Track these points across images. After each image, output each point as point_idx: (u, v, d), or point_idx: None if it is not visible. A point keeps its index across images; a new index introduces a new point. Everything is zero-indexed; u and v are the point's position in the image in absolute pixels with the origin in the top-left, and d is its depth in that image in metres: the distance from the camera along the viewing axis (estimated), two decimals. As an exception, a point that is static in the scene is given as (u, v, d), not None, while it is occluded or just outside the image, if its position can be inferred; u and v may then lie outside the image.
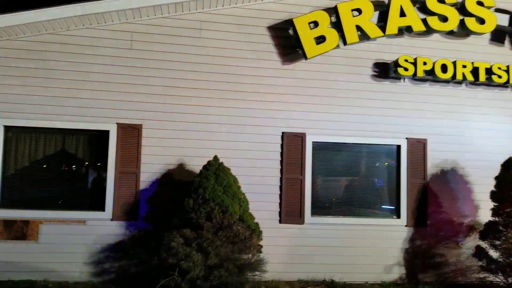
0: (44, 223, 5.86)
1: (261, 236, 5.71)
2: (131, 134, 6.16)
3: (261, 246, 5.65)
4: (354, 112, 6.69)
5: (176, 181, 6.14)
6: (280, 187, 6.38)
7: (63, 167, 6.29)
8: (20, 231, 5.82)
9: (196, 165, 6.03)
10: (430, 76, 6.72)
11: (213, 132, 6.33)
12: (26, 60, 6.04)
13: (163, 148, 6.20)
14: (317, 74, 6.65)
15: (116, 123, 6.14)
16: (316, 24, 6.41)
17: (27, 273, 5.70)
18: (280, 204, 6.35)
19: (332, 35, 6.44)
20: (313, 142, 6.52)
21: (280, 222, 6.32)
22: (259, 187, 6.28)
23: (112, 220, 5.99)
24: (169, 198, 5.98)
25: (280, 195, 6.36)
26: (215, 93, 6.39)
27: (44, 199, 6.08)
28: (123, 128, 6.15)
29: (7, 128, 6.03)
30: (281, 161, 6.41)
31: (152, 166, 6.15)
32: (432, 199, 6.74)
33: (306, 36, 6.35)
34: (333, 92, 6.68)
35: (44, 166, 6.21)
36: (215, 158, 5.75)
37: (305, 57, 6.40)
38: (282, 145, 6.43)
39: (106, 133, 6.15)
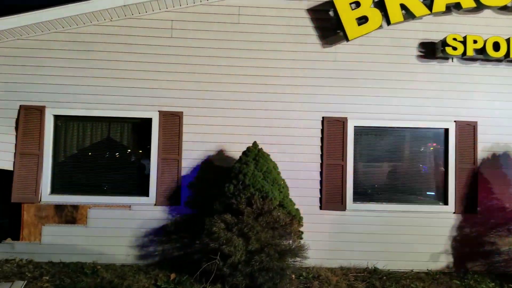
0: (92, 207, 6.13)
1: (302, 222, 5.68)
2: (172, 121, 6.26)
3: (302, 232, 5.62)
4: (398, 95, 6.43)
5: (216, 167, 6.20)
6: (321, 173, 6.27)
7: (109, 154, 6.51)
8: (70, 216, 6.12)
9: (235, 151, 6.06)
10: (481, 55, 6.31)
11: (252, 118, 6.31)
12: (72, 51, 6.26)
13: (203, 134, 6.27)
14: (359, 56, 6.43)
15: (158, 111, 6.26)
16: (357, 4, 6.17)
17: (77, 255, 5.99)
18: (321, 190, 6.25)
19: (374, 15, 6.18)
20: (355, 126, 6.34)
21: (321, 208, 6.24)
22: (299, 173, 6.22)
23: (155, 205, 6.16)
24: (210, 183, 6.06)
25: (321, 181, 6.26)
26: (254, 79, 6.35)
27: (92, 185, 6.33)
28: (164, 116, 6.27)
29: (56, 118, 6.31)
30: (322, 147, 6.29)
31: (192, 152, 6.24)
32: (483, 185, 6.38)
33: (347, 17, 6.13)
34: (376, 75, 6.44)
35: (91, 153, 6.45)
36: (255, 144, 5.74)
37: (347, 39, 6.19)
38: (322, 130, 6.30)
39: (149, 121, 6.29)
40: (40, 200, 6.09)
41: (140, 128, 6.42)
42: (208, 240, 5.16)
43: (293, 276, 5.51)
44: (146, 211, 6.14)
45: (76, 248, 6.00)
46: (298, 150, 6.28)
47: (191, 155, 6.25)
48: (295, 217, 5.52)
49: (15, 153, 6.10)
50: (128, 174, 6.47)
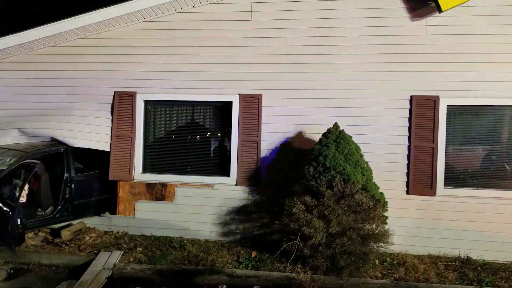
0: (179, 186, 6.49)
1: (386, 206, 5.41)
2: (252, 104, 6.33)
3: (386, 217, 5.37)
4: (499, 70, 5.75)
5: (295, 149, 6.15)
6: (408, 155, 5.90)
7: (193, 136, 6.81)
8: (159, 193, 6.55)
9: (315, 133, 5.95)
10: None
11: (333, 98, 6.12)
12: (158, 39, 6.60)
13: (282, 116, 6.24)
14: (453, 29, 5.86)
15: (238, 94, 6.37)
16: (452, -30, 5.60)
17: (166, 230, 6.42)
18: (408, 174, 5.89)
19: (472, -19, 5.56)
20: (447, 105, 5.83)
21: (407, 193, 5.89)
22: (384, 155, 5.92)
23: (236, 185, 6.32)
24: (289, 165, 6.05)
25: (408, 165, 5.90)
26: (335, 58, 6.13)
27: (178, 164, 6.71)
28: (244, 99, 6.36)
29: (146, 102, 6.74)
30: (410, 128, 5.90)
31: (271, 134, 6.27)
32: None
33: (440, -14, 5.60)
34: (472, 48, 5.83)
35: (177, 135, 6.81)
36: (335, 125, 5.56)
37: (439, 10, 5.65)
38: (410, 110, 5.89)
39: (229, 104, 6.43)
40: (133, 179, 6.61)
41: (221, 111, 6.61)
42: (288, 221, 5.19)
43: (377, 261, 5.32)
44: (228, 190, 6.34)
45: (164, 223, 6.43)
46: (383, 132, 5.96)
47: (270, 137, 6.27)
48: (379, 201, 5.27)
49: (111, 136, 6.68)
50: (211, 155, 6.73)
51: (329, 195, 5.04)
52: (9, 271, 5.20)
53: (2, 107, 6.96)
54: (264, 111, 6.29)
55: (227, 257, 5.46)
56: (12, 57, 6.92)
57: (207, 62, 6.46)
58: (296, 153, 6.09)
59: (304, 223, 4.99)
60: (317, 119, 6.08)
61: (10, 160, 5.86)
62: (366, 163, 5.46)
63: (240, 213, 6.28)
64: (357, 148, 5.48)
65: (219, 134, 6.71)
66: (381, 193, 5.43)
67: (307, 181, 5.33)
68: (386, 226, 5.18)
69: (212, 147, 6.77)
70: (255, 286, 4.76)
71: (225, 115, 6.54)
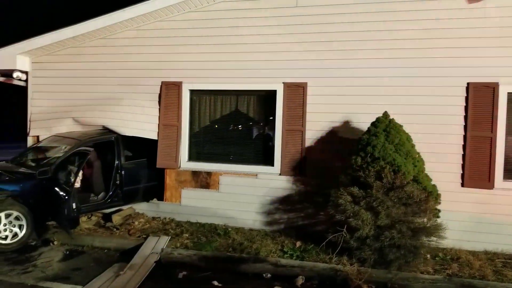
0: (224, 175, 6.55)
1: (439, 199, 5.17)
2: (296, 92, 6.23)
3: (439, 211, 5.12)
4: None
5: (341, 138, 6.00)
6: (464, 146, 5.58)
7: (237, 125, 6.83)
8: (204, 181, 6.65)
9: (363, 122, 5.76)
10: None
11: (382, 86, 5.89)
12: (203, 29, 6.64)
13: (328, 105, 6.10)
14: (515, 10, 5.42)
15: (282, 83, 6.29)
16: None
17: (210, 217, 6.52)
18: (463, 165, 5.58)
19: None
20: (508, 93, 5.43)
21: (462, 185, 5.58)
22: (438, 146, 5.62)
23: (280, 174, 6.28)
24: (334, 155, 5.92)
25: (464, 155, 5.57)
26: (384, 44, 5.88)
27: (223, 153, 6.77)
28: (288, 87, 6.27)
29: (192, 92, 6.84)
30: (465, 117, 5.56)
31: (316, 123, 6.14)
32: None
33: (502, -37, 5.18)
34: (539, 30, 5.36)
35: (222, 124, 6.86)
36: (385, 114, 5.35)
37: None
38: (467, 98, 5.55)
39: (273, 93, 6.37)
40: (180, 167, 6.76)
41: (265, 100, 6.56)
42: (334, 212, 5.08)
43: (428, 256, 5.10)
44: (271, 180, 6.31)
45: (209, 211, 6.53)
46: (437, 121, 5.66)
47: (315, 126, 6.15)
48: (431, 194, 5.03)
49: (158, 125, 6.85)
50: (255, 145, 6.73)
51: (377, 187, 4.87)
52: (65, 252, 5.51)
53: (58, 97, 7.33)
54: (309, 99, 6.17)
55: (271, 246, 5.45)
56: (66, 49, 7.26)
57: (252, 50, 6.42)
58: (342, 142, 5.95)
59: (351, 214, 4.87)
60: (365, 107, 5.88)
61: (65, 147, 6.18)
62: (418, 153, 5.23)
63: (284, 202, 6.24)
64: (408, 138, 5.25)
65: (263, 123, 6.68)
66: (434, 185, 5.18)
67: (354, 171, 5.18)
68: (439, 220, 4.95)
69: (256, 136, 6.76)
70: (300, 276, 4.72)
71: (269, 104, 6.49)
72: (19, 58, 7.29)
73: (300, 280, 4.67)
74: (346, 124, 6.02)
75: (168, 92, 6.81)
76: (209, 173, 6.64)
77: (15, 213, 5.43)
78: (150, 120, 6.86)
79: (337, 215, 5.03)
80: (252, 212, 6.36)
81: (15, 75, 7.48)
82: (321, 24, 6.12)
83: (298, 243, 5.54)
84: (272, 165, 6.35)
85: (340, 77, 6.05)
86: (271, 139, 6.45)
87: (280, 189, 6.27)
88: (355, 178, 5.17)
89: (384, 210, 4.77)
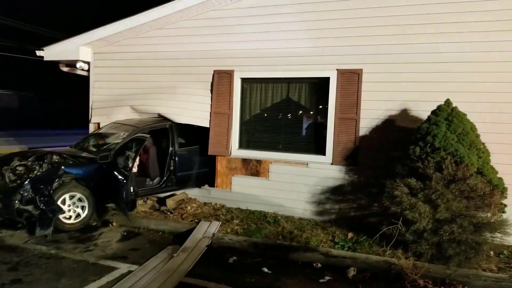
0: (273, 163, 6.54)
1: (505, 193, 4.80)
2: (350, 79, 6.04)
3: (505, 205, 4.76)
4: None
5: (398, 127, 5.74)
6: (536, 136, 5.13)
7: (288, 113, 6.76)
8: (254, 169, 6.68)
9: (422, 110, 5.48)
10: None
11: (444, 72, 5.54)
12: (255, 16, 6.58)
13: (385, 92, 5.85)
14: None
15: (336, 70, 6.12)
16: None
17: (260, 204, 6.55)
18: (535, 157, 5.13)
19: None
20: None
21: (533, 179, 5.14)
22: (506, 136, 5.22)
23: (332, 164, 6.15)
24: (390, 145, 5.69)
25: (535, 147, 5.13)
26: (447, 27, 5.51)
27: (273, 142, 6.75)
28: (342, 74, 6.09)
29: (243, 80, 6.86)
30: (538, 105, 5.10)
31: (372, 112, 5.92)
32: None
33: None
34: None
35: (272, 112, 6.83)
36: (447, 102, 5.04)
37: None
38: (542, 84, 5.08)
39: (326, 80, 6.22)
40: (230, 154, 6.83)
41: (317, 87, 6.43)
42: (389, 203, 4.90)
43: (491, 253, 4.76)
44: (323, 169, 6.20)
45: (259, 198, 6.56)
46: (506, 109, 5.24)
47: (370, 114, 5.93)
48: (496, 187, 4.69)
49: (210, 112, 6.95)
50: (306, 133, 6.63)
51: (437, 178, 4.62)
52: (123, 233, 5.79)
53: (117, 86, 7.67)
54: (364, 86, 5.95)
55: (322, 236, 5.37)
56: (125, 40, 7.55)
57: (304, 37, 6.30)
58: (399, 132, 5.69)
59: (408, 207, 4.67)
60: (424, 95, 5.58)
61: (124, 134, 6.46)
62: (483, 144, 4.88)
63: (335, 192, 6.11)
64: (473, 127, 4.91)
65: (314, 111, 6.56)
66: (500, 178, 4.83)
67: (412, 162, 4.95)
68: (504, 215, 4.60)
69: (307, 125, 6.65)
70: (351, 268, 4.61)
71: (321, 92, 6.35)
72: (82, 49, 7.70)
73: (351, 272, 4.56)
74: (404, 112, 5.74)
75: (220, 80, 6.88)
76: (259, 161, 6.65)
77: (78, 195, 5.78)
78: (203, 108, 6.98)
79: (392, 207, 4.84)
80: (302, 201, 6.30)
81: (78, 65, 7.93)
82: (378, 8, 5.85)
83: (350, 234, 5.41)
84: (324, 154, 6.23)
85: (398, 62, 5.77)
86: (323, 127, 6.32)
87: (332, 178, 6.14)
88: (412, 169, 4.94)
89: (443, 203, 4.52)
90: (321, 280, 4.42)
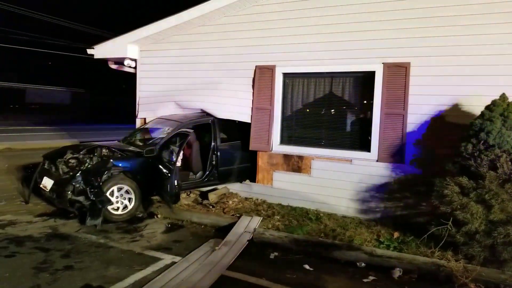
0: (316, 159, 6.45)
1: None
2: (397, 73, 5.81)
3: None
4: None
5: (448, 123, 5.47)
6: None
7: (331, 108, 6.63)
8: (296, 165, 6.62)
9: (474, 105, 5.18)
10: None
11: (499, 65, 5.19)
12: (297, 11, 6.51)
13: (434, 87, 5.58)
14: None
15: (382, 63, 5.92)
16: None
17: (302, 201, 6.48)
18: None
19: None
20: None
21: None
22: None
23: (377, 161, 5.97)
24: (440, 142, 5.44)
25: None
26: (501, 17, 5.15)
27: (315, 137, 6.65)
28: (389, 68, 5.88)
29: (284, 75, 6.81)
30: None
31: (420, 107, 5.67)
32: None
33: None
34: None
35: (314, 108, 6.72)
36: (503, 96, 4.73)
37: None
38: None
39: (371, 74, 6.04)
40: (271, 149, 6.82)
41: (362, 82, 6.26)
42: (438, 203, 4.69)
43: (553, 259, 4.42)
44: (367, 166, 6.03)
45: (300, 195, 6.50)
46: None
47: (418, 110, 5.68)
48: (559, 188, 4.33)
49: (251, 108, 6.97)
50: (349, 129, 6.48)
51: (491, 177, 4.36)
52: (167, 225, 5.95)
53: (162, 83, 7.88)
54: (412, 80, 5.71)
55: (366, 235, 5.22)
56: (169, 37, 7.74)
57: (348, 30, 6.14)
58: (449, 128, 5.42)
59: (458, 206, 4.44)
60: (477, 89, 5.27)
61: (168, 129, 6.64)
62: (543, 141, 4.52)
63: (380, 190, 5.93)
64: (532, 124, 4.57)
65: (359, 107, 6.38)
66: None
67: (464, 160, 4.69)
68: None
69: (351, 121, 6.49)
70: (397, 269, 4.45)
71: (366, 86, 6.17)
72: (129, 46, 7.98)
73: (397, 272, 4.40)
74: (455, 107, 5.45)
75: (262, 75, 6.87)
76: (300, 157, 6.58)
77: (126, 187, 6.00)
78: (244, 103, 7.01)
79: (441, 206, 4.62)
80: (345, 199, 6.17)
81: (126, 62, 8.24)
82: (428, -2, 5.58)
83: (396, 234, 5.23)
84: (369, 150, 6.05)
85: (448, 55, 5.48)
86: (368, 123, 6.13)
87: (377, 176, 5.95)
88: (464, 167, 4.69)
89: (498, 204, 4.26)
90: (365, 280, 4.30)
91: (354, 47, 6.11)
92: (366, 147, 6.09)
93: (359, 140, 6.26)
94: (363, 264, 4.66)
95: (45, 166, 6.35)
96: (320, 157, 6.42)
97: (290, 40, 6.60)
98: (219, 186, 7.00)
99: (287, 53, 6.65)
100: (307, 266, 4.57)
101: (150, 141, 6.69)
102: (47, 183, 6.01)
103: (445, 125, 5.48)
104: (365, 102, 6.24)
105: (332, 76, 6.48)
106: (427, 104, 5.61)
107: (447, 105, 5.49)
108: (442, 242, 4.58)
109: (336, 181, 6.23)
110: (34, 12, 23.86)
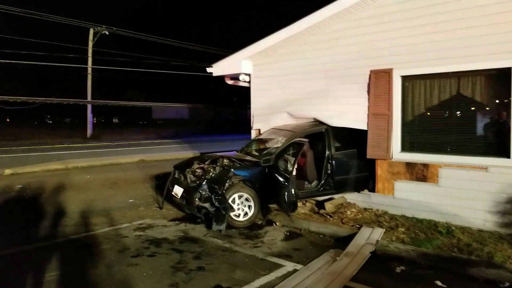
0: (443, 167, 5.90)
1: None
2: (542, 67, 5.04)
3: None
4: None
5: None
6: None
7: (459, 111, 6.03)
8: (420, 173, 6.15)
9: None
10: None
11: None
12: (415, 9, 6.11)
13: None
14: None
15: (520, 58, 5.20)
16: None
17: (428, 212, 5.98)
18: None
19: None
20: None
21: None
22: None
23: (520, 168, 5.22)
24: None
25: None
26: None
27: (441, 143, 6.10)
28: (530, 62, 5.13)
29: (403, 78, 6.42)
30: None
31: None
32: None
33: None
34: None
35: (439, 111, 6.20)
36: None
37: None
38: None
39: (506, 71, 5.34)
40: (391, 157, 6.46)
41: (495, 80, 5.57)
42: None
43: None
44: (508, 174, 5.31)
45: (427, 206, 6.00)
46: None
47: None
48: None
49: (367, 114, 6.72)
50: (482, 133, 5.81)
51: None
52: (286, 233, 6.04)
53: (274, 94, 8.14)
54: None
55: (509, 251, 4.58)
56: (280, 49, 7.96)
57: (474, 25, 5.54)
58: None
59: None
60: None
61: (282, 139, 6.79)
62: None
63: (526, 202, 5.16)
64: None
65: (492, 108, 5.69)
66: None
67: None
68: None
69: (483, 123, 5.81)
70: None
71: (499, 85, 5.48)
72: (243, 62, 8.45)
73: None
74: None
75: (377, 80, 6.59)
76: (425, 165, 6.10)
77: (245, 195, 6.29)
78: (358, 110, 6.80)
79: None
80: (481, 211, 5.50)
81: (241, 77, 8.73)
82: None
83: (551, 253, 4.48)
84: (508, 156, 5.32)
85: None
86: (505, 125, 5.41)
87: (520, 185, 5.20)
88: None
89: None
90: (512, 303, 3.77)
91: (483, 42, 5.48)
92: (505, 153, 5.36)
93: (496, 145, 5.55)
94: (506, 284, 4.08)
95: (176, 176, 7.03)
96: (449, 164, 5.85)
97: (408, 41, 6.22)
98: (335, 196, 6.88)
99: (405, 55, 6.27)
100: (439, 283, 4.19)
101: (266, 151, 6.91)
102: (177, 191, 6.64)
103: None
104: (499, 102, 5.54)
105: (458, 75, 5.90)
106: None
107: None
108: None
109: (469, 191, 5.60)
110: (159, 38, 26.94)
